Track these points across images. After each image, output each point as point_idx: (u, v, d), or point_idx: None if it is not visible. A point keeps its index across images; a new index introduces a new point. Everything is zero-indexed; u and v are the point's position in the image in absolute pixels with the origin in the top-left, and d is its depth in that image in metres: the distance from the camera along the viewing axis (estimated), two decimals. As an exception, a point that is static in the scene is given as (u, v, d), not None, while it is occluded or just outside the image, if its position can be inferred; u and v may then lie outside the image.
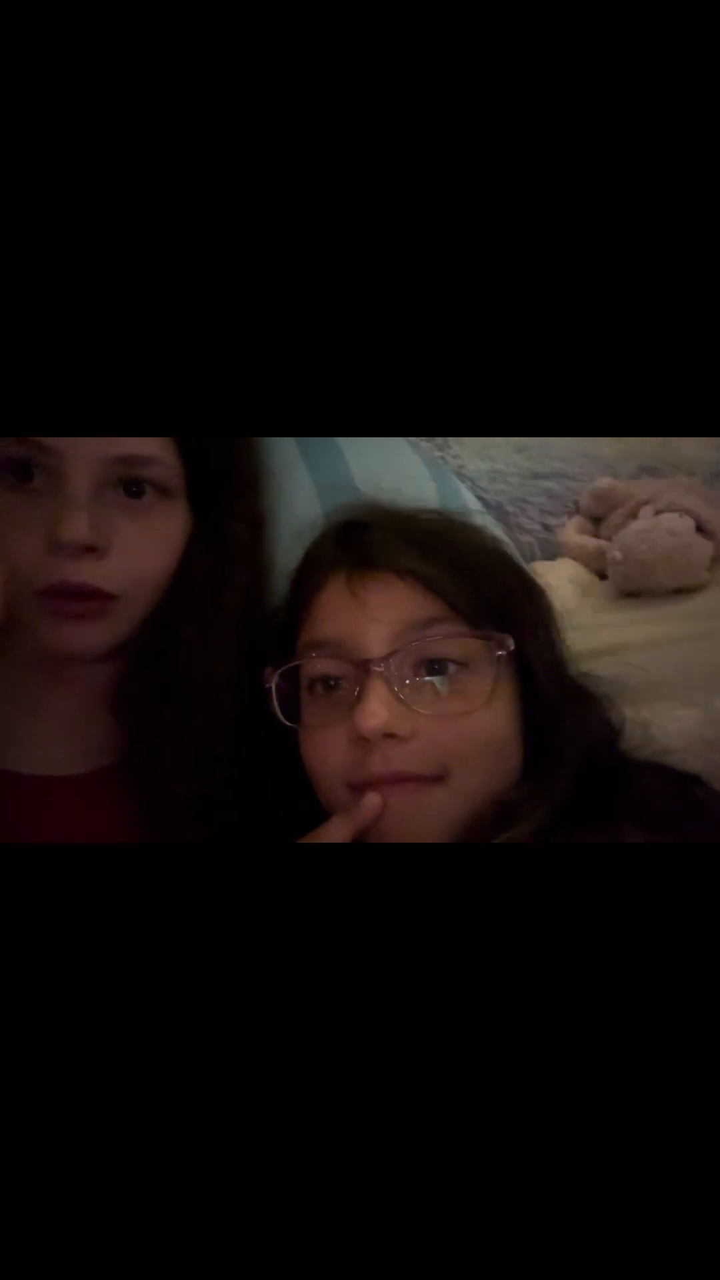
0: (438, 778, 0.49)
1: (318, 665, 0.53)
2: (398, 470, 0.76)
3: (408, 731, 0.48)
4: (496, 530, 0.76)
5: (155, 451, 0.54)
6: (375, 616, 0.50)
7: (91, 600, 0.53)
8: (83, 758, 0.61)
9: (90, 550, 0.52)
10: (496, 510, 0.87)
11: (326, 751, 0.51)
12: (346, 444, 0.74)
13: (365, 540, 0.54)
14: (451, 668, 0.50)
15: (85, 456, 0.52)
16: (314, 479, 0.71)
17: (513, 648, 0.51)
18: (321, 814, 0.53)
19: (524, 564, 0.61)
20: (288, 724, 0.54)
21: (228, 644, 0.59)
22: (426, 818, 0.49)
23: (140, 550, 0.55)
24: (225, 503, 0.59)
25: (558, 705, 0.52)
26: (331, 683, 0.52)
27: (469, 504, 0.81)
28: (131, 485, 0.54)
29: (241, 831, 0.58)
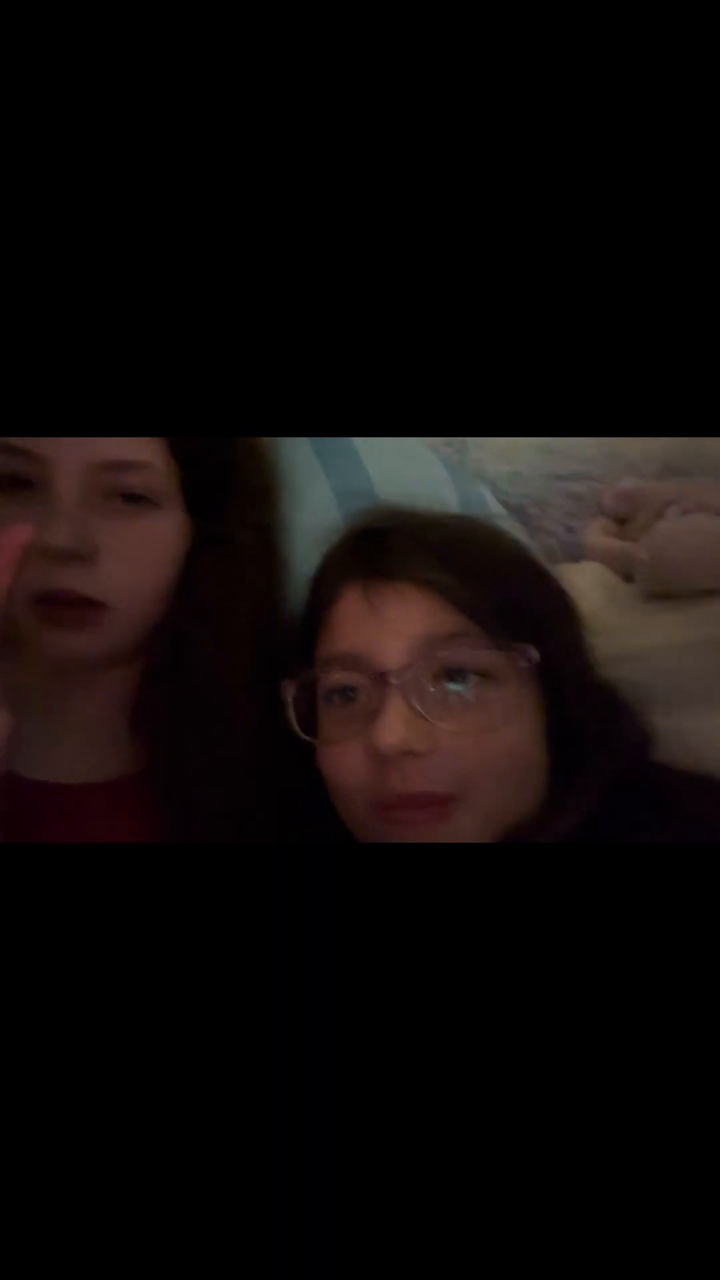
0: (456, 797, 0.47)
1: (335, 677, 0.51)
2: (417, 474, 0.74)
3: (427, 747, 0.47)
4: (519, 533, 0.74)
5: (142, 457, 0.53)
6: (393, 628, 0.49)
7: (81, 608, 0.53)
8: (108, 765, 0.61)
9: (75, 557, 0.52)
10: (518, 513, 0.86)
11: (345, 768, 0.50)
12: (365, 448, 0.73)
13: (383, 549, 0.52)
14: (472, 679, 0.48)
15: (72, 464, 0.52)
16: (332, 484, 0.70)
17: (536, 659, 0.49)
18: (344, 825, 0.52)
19: (549, 567, 0.59)
20: (305, 738, 0.52)
21: (245, 653, 0.58)
22: (446, 839, 0.47)
23: (131, 558, 0.54)
24: (229, 510, 0.59)
25: (586, 716, 0.50)
26: (349, 694, 0.50)
27: (490, 507, 0.80)
28: (123, 493, 0.53)
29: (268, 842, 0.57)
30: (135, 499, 0.54)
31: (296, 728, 0.52)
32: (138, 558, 0.55)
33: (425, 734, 0.47)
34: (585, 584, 0.80)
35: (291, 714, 0.52)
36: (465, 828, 0.47)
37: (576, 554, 0.87)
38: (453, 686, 0.48)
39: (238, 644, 0.58)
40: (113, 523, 0.53)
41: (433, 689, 0.48)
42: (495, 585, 0.50)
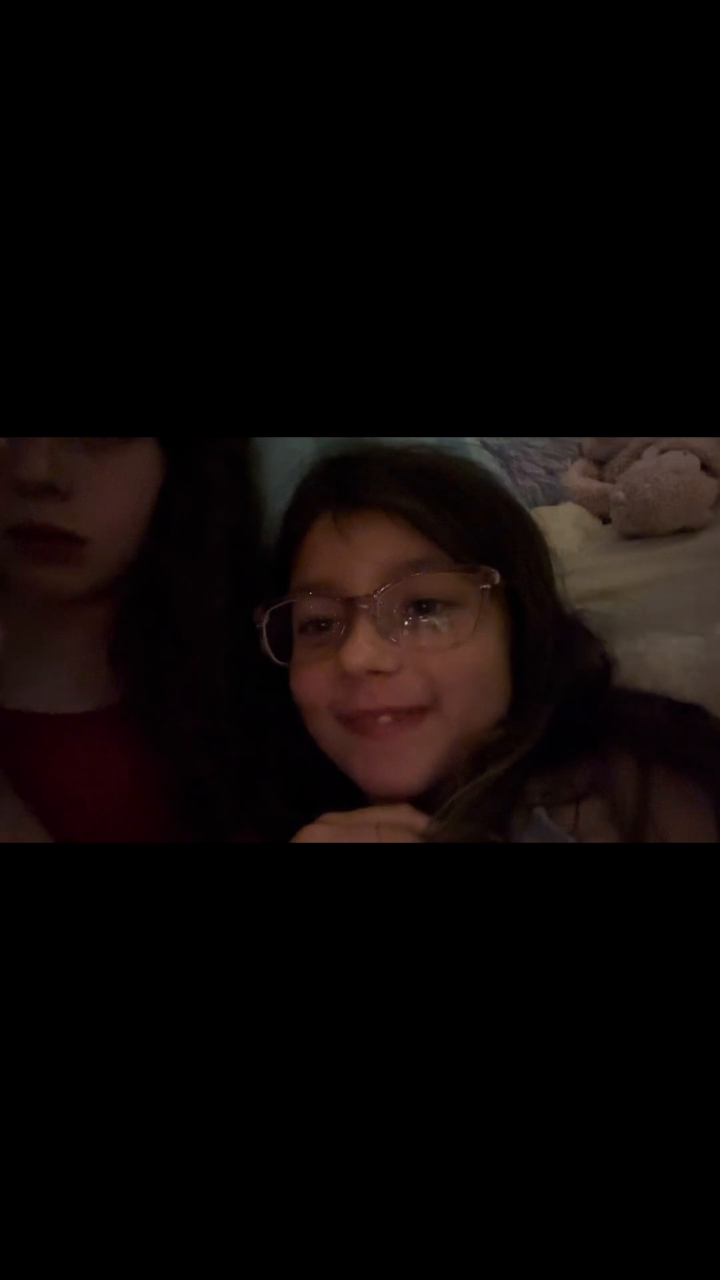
0: (426, 708, 0.49)
1: (308, 607, 0.52)
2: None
3: (393, 666, 0.48)
4: (496, 471, 0.75)
5: None
6: (361, 555, 0.50)
7: (60, 542, 0.53)
8: (88, 696, 0.62)
9: (52, 491, 0.52)
10: (498, 454, 0.86)
11: (313, 685, 0.51)
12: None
13: (353, 476, 0.53)
14: (439, 606, 0.50)
15: None
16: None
17: (498, 581, 0.50)
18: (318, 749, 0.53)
19: (518, 499, 0.59)
20: (278, 663, 0.54)
21: (219, 583, 0.59)
22: (418, 749, 0.49)
23: (108, 492, 0.54)
24: (201, 441, 0.58)
25: (546, 640, 0.52)
26: (322, 624, 0.52)
27: (469, 446, 0.80)
28: None
29: (248, 769, 0.58)
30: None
31: (270, 653, 0.54)
32: (113, 491, 0.55)
33: (391, 654, 0.48)
34: (563, 525, 0.81)
35: (265, 640, 0.54)
36: (434, 735, 0.49)
37: (556, 496, 0.87)
38: (420, 613, 0.50)
39: (212, 574, 0.59)
40: (87, 457, 0.53)
41: (400, 613, 0.49)
42: (462, 512, 0.51)
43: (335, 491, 0.53)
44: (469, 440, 0.81)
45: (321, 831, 0.46)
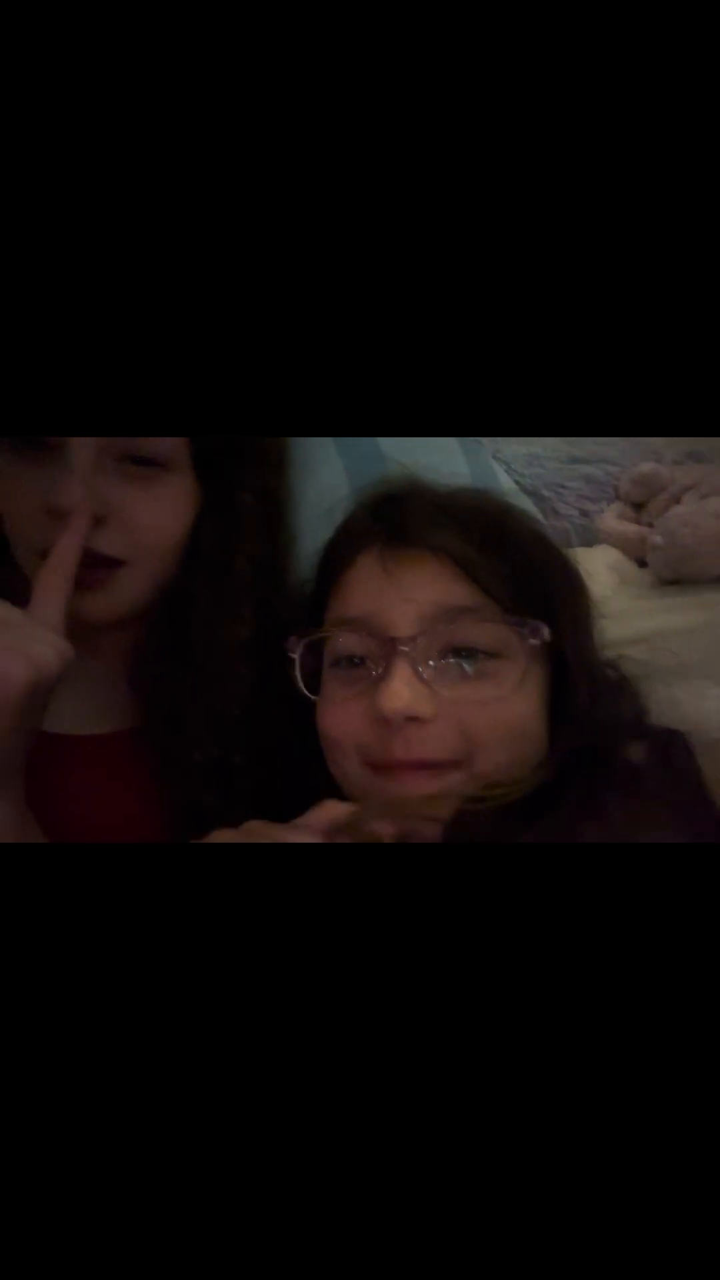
0: (457, 762, 0.47)
1: (343, 642, 0.51)
2: (430, 448, 0.74)
3: (430, 714, 0.46)
4: (534, 513, 0.74)
5: None
6: (406, 595, 0.48)
7: (94, 567, 0.53)
8: (105, 718, 0.62)
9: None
10: (532, 495, 0.85)
11: (344, 724, 0.49)
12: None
13: (402, 514, 0.51)
14: (480, 657, 0.48)
15: None
16: (342, 454, 0.70)
17: (548, 638, 0.48)
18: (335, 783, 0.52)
19: (564, 550, 0.58)
20: (309, 696, 0.52)
21: (243, 613, 0.58)
22: (441, 800, 0.47)
23: (142, 517, 0.54)
24: (234, 473, 0.58)
25: (589, 698, 0.50)
26: (356, 660, 0.50)
27: (504, 486, 0.79)
28: (134, 456, 0.53)
29: (257, 804, 0.57)
30: (146, 462, 0.54)
31: (301, 684, 0.52)
32: (148, 519, 0.55)
33: (429, 701, 0.46)
34: (598, 568, 0.80)
35: (297, 671, 0.52)
36: (459, 789, 0.47)
37: (590, 538, 0.86)
38: (461, 661, 0.48)
39: (236, 605, 0.58)
40: (124, 485, 0.53)
41: (441, 659, 0.48)
42: (511, 560, 0.49)
43: (384, 528, 0.51)
44: (504, 482, 0.80)
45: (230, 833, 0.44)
